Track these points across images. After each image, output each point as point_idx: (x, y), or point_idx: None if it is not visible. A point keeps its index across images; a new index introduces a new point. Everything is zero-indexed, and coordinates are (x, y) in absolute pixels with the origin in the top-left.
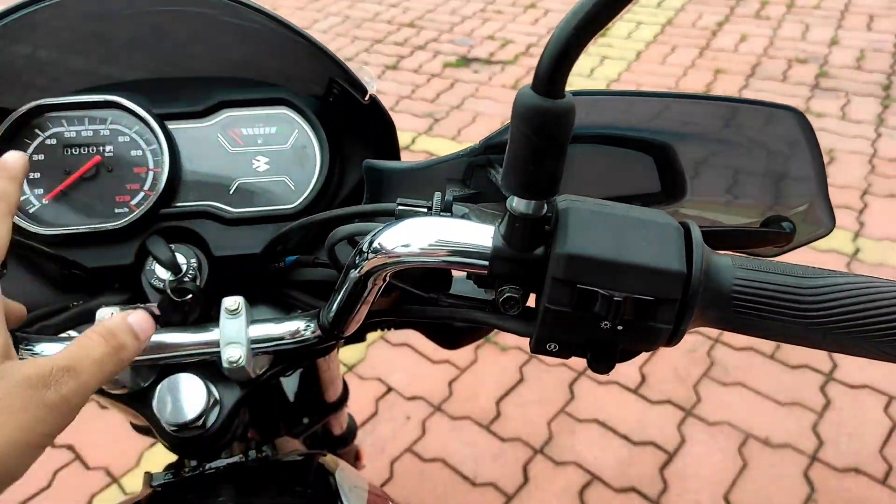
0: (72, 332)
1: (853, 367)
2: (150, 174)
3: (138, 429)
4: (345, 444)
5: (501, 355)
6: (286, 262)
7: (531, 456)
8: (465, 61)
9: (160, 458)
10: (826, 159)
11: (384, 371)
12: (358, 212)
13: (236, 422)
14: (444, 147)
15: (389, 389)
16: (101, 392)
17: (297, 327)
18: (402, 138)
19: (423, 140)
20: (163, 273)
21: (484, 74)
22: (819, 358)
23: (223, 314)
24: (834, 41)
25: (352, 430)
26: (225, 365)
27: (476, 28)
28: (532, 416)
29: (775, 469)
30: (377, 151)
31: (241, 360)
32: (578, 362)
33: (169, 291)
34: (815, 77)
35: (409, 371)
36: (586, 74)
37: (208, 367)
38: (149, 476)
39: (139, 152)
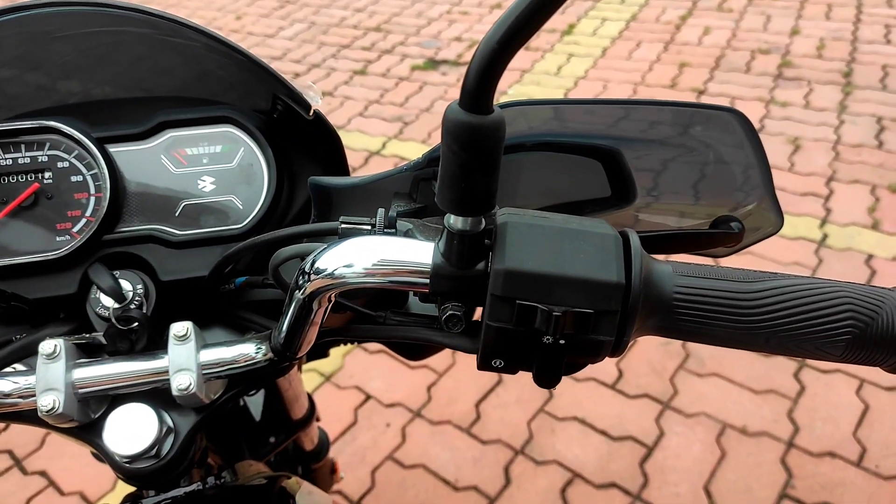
0: (16, 367)
1: None
2: (92, 199)
3: (99, 458)
4: (318, 458)
5: None
6: (236, 284)
7: (512, 457)
8: (432, 63)
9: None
10: (791, 148)
11: (362, 379)
12: (301, 232)
13: (192, 448)
14: (414, 150)
15: (368, 397)
16: (48, 426)
17: (248, 350)
18: (372, 143)
19: (393, 144)
20: (108, 301)
21: (452, 76)
22: None
23: (171, 340)
24: (795, 31)
25: (324, 444)
26: (175, 392)
27: (443, 30)
28: (512, 418)
29: (753, 457)
30: (325, 167)
31: (191, 388)
32: None
33: (114, 320)
34: (777, 67)
35: (387, 378)
36: (553, 72)
37: (161, 394)
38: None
39: (79, 178)
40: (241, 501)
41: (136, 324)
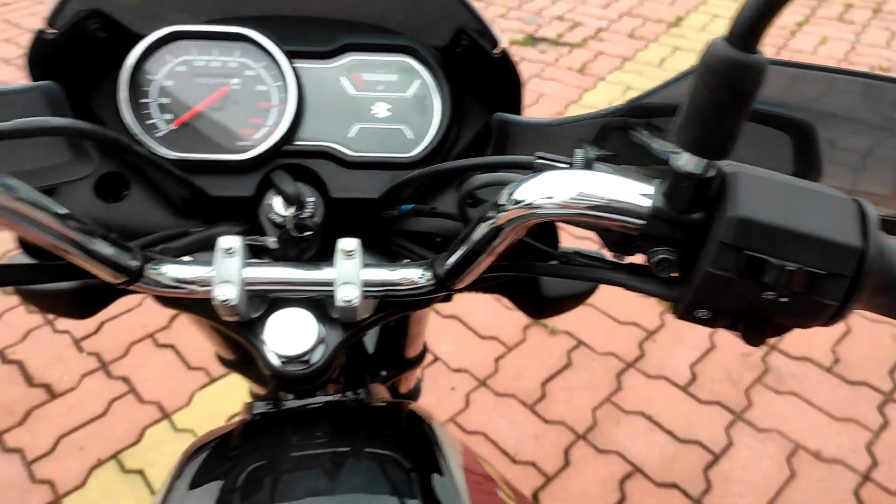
0: (189, 257)
1: None
2: (274, 110)
3: (226, 363)
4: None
5: (550, 338)
6: (401, 210)
7: (573, 440)
8: (532, 40)
9: (211, 399)
10: None
11: (432, 341)
12: (494, 162)
13: (335, 363)
14: None
15: (436, 359)
16: (211, 317)
17: (412, 274)
18: None
19: None
20: (281, 208)
21: (551, 55)
22: (880, 376)
23: (339, 254)
24: None
25: (418, 390)
26: (339, 304)
27: (545, 7)
28: (578, 402)
29: (824, 483)
30: (499, 106)
31: (354, 301)
32: (628, 352)
33: (290, 226)
34: None
35: (456, 344)
36: (656, 64)
37: (314, 304)
38: (249, 405)
39: (264, 87)
40: (379, 417)
41: (309, 233)
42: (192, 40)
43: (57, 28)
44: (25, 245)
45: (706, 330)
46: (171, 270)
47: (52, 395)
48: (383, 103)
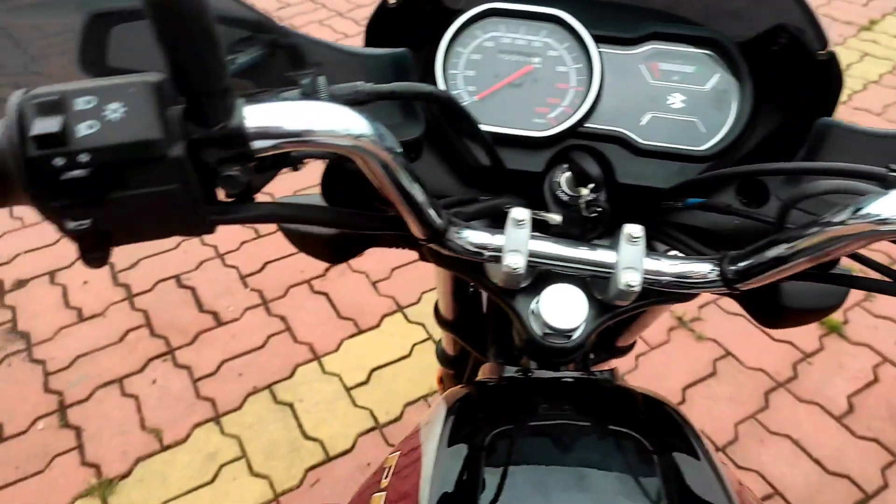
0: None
1: None
2: (571, 91)
3: (444, 322)
4: None
5: (696, 343)
6: (686, 203)
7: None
8: None
9: (357, 348)
10: None
11: None
12: (835, 169)
13: (589, 341)
14: None
15: None
16: (486, 285)
17: (698, 269)
18: None
19: None
20: (567, 187)
21: None
22: None
23: (623, 239)
24: None
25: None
26: (620, 287)
27: None
28: (719, 413)
29: None
30: (805, 108)
31: (636, 287)
32: (780, 371)
33: (582, 205)
34: None
35: None
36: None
37: (581, 283)
38: (500, 367)
39: (564, 69)
40: (633, 402)
41: (597, 214)
42: (503, 17)
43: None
44: (328, 190)
45: (869, 360)
46: (469, 235)
47: (219, 322)
48: (679, 94)
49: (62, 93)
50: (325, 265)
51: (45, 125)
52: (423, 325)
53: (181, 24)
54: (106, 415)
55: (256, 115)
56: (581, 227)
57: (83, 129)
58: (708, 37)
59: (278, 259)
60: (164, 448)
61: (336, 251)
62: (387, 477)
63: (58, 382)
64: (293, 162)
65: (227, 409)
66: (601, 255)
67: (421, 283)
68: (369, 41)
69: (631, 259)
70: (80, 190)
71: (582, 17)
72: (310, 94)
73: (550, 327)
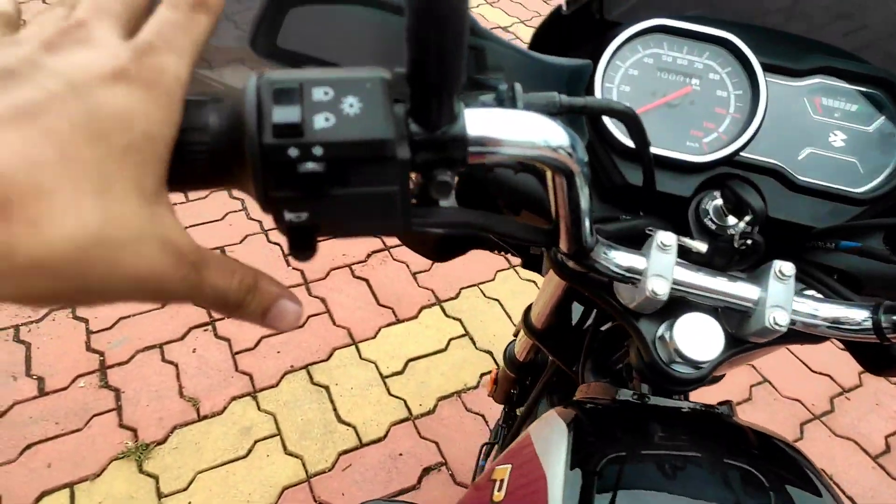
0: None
1: None
2: (728, 118)
3: (533, 331)
4: None
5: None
6: (841, 246)
7: None
8: None
9: (394, 338)
10: None
11: None
12: None
13: (710, 375)
14: None
15: None
16: (603, 299)
17: (852, 315)
18: None
19: None
20: (714, 215)
21: None
22: None
23: (773, 276)
24: None
25: None
26: (766, 325)
27: None
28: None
29: None
30: None
31: (783, 326)
32: (817, 404)
33: (735, 236)
34: None
35: None
36: None
37: (714, 314)
38: (607, 387)
39: (724, 94)
40: (745, 437)
41: (746, 247)
42: (668, 35)
43: (570, 8)
44: (465, 197)
45: None
46: (616, 256)
47: None
48: (840, 132)
49: (300, 80)
50: (366, 250)
51: (285, 114)
52: (460, 320)
53: (440, 22)
54: (145, 379)
55: (477, 122)
56: (727, 259)
57: (320, 122)
58: (878, 76)
59: (320, 240)
60: (201, 418)
61: (444, 250)
62: (500, 490)
63: (100, 342)
64: (485, 169)
65: (264, 385)
66: (742, 288)
67: (460, 278)
68: (532, 46)
69: (780, 297)
70: (309, 183)
71: (750, 42)
72: (504, 100)
73: (682, 356)
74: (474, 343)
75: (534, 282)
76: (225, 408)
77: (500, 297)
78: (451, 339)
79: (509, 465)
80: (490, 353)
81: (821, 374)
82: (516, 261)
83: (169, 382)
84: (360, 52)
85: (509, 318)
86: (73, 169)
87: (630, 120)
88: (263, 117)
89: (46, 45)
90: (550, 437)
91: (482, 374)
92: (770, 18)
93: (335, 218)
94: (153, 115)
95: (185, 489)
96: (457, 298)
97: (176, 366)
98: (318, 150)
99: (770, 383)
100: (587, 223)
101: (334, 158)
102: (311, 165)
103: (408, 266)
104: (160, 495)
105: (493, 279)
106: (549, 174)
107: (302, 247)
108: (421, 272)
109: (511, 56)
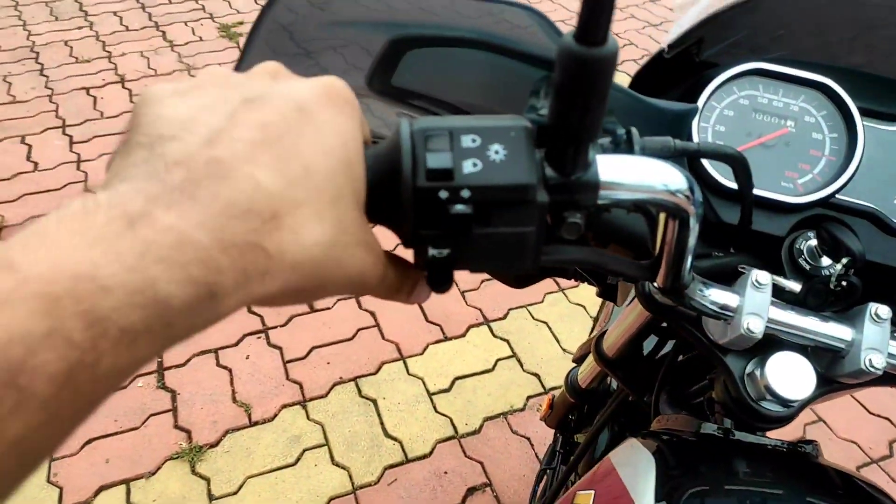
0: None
1: None
2: (823, 160)
3: (605, 359)
4: None
5: None
6: None
7: None
8: None
9: (442, 355)
10: None
11: None
12: None
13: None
14: None
15: None
16: (693, 336)
17: None
18: None
19: None
20: (809, 255)
21: None
22: None
23: (868, 318)
24: None
25: None
26: (860, 366)
27: None
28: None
29: None
30: None
31: (878, 369)
32: (874, 447)
33: (833, 277)
34: None
35: None
36: None
37: (805, 353)
38: (695, 423)
39: (819, 136)
40: (832, 478)
41: (842, 288)
42: (764, 77)
43: (672, 52)
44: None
45: None
46: (712, 293)
47: (312, 308)
48: None
49: (449, 128)
50: None
51: (438, 160)
52: (507, 341)
53: (589, 82)
54: (200, 382)
55: (607, 168)
56: (821, 299)
57: (468, 167)
58: None
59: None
60: (252, 423)
61: (524, 278)
62: None
63: None
64: (604, 209)
65: (314, 395)
66: (835, 329)
67: (509, 299)
68: (632, 87)
69: (875, 340)
70: (456, 223)
71: (846, 86)
72: (621, 144)
73: (773, 394)
74: (521, 365)
75: (583, 306)
76: (276, 415)
77: (548, 319)
78: (498, 360)
79: (592, 492)
80: (537, 375)
81: (879, 416)
82: (566, 283)
83: (223, 387)
84: (467, 91)
85: (557, 341)
86: (316, 182)
87: (738, 164)
88: (417, 162)
89: (272, 75)
90: (638, 466)
91: (528, 397)
92: (854, 58)
93: (474, 255)
94: (356, 133)
95: (235, 493)
96: (504, 319)
97: (230, 371)
98: (465, 193)
99: (825, 423)
100: (689, 261)
101: (480, 201)
102: (459, 207)
103: (456, 284)
104: (211, 497)
105: (542, 301)
106: (661, 214)
107: (441, 280)
108: (469, 290)
109: (622, 99)
